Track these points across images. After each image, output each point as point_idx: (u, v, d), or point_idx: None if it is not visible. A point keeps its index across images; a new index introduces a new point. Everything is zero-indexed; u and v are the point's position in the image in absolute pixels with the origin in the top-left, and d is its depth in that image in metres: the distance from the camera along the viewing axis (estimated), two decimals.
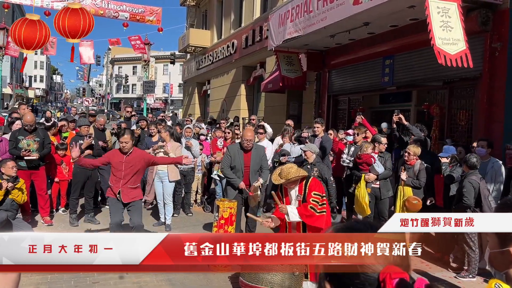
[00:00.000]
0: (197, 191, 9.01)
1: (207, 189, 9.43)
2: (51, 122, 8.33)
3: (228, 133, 8.60)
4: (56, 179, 7.73)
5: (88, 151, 7.53)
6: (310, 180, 4.50)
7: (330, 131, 8.38)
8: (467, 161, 5.40)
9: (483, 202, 5.17)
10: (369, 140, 7.12)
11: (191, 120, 13.04)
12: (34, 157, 6.76)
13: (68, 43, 9.03)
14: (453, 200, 5.73)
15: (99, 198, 8.63)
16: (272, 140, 9.00)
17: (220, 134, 8.72)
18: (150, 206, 8.85)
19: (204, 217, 8.16)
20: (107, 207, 8.31)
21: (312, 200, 4.36)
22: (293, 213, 4.38)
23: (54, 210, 7.85)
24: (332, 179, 6.86)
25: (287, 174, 4.36)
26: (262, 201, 8.15)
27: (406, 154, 6.29)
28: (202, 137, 9.09)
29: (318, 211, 4.38)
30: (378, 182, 6.43)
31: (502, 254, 1.13)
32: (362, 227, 0.98)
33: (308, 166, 6.75)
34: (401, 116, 7.14)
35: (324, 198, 4.49)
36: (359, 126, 7.59)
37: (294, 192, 4.56)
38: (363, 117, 7.88)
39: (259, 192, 5.92)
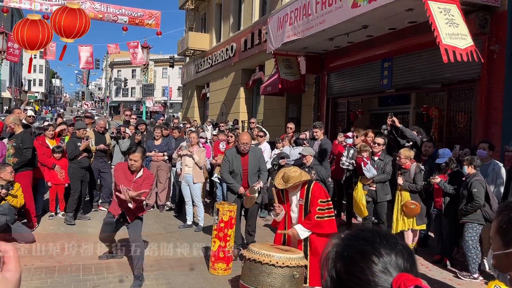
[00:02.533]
0: None
1: (210, 193, 9.44)
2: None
3: (231, 136, 8.60)
4: (49, 183, 7.72)
5: (85, 154, 7.72)
6: (312, 185, 4.48)
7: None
8: (473, 162, 5.47)
9: (492, 200, 5.24)
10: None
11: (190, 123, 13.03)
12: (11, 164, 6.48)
13: (68, 45, 9.04)
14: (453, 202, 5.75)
15: (99, 199, 8.72)
16: (270, 142, 9.01)
17: (223, 137, 8.73)
18: (151, 209, 8.85)
19: (204, 220, 8.14)
20: (103, 209, 8.37)
21: (319, 209, 4.35)
22: (302, 231, 4.38)
23: (53, 213, 7.87)
24: (330, 180, 6.88)
25: (290, 178, 4.35)
26: (266, 200, 8.20)
27: (398, 158, 6.30)
28: (202, 140, 9.10)
29: (327, 215, 4.38)
30: (374, 185, 6.43)
31: (506, 256, 1.14)
32: (370, 235, 0.96)
33: (306, 169, 6.76)
34: (394, 119, 7.15)
35: (329, 202, 4.49)
36: (358, 128, 7.61)
37: (295, 197, 4.56)
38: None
39: (256, 194, 5.94)
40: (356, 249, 0.93)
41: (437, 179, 5.82)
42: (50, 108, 56.08)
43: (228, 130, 9.51)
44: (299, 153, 7.22)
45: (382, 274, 0.89)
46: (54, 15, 8.01)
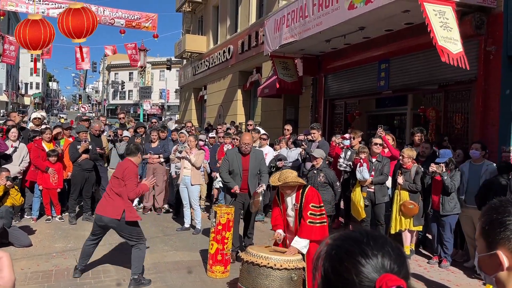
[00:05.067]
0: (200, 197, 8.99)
1: (208, 195, 9.41)
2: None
3: (236, 140, 8.54)
4: (40, 187, 7.67)
5: (85, 155, 7.70)
6: (307, 190, 4.48)
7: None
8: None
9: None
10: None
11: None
12: None
13: (65, 48, 9.10)
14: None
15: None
16: (271, 144, 8.99)
17: (228, 141, 8.61)
18: (148, 212, 8.83)
19: (203, 222, 8.13)
20: None
21: (310, 214, 4.35)
22: (300, 246, 4.36)
23: (50, 217, 7.83)
24: (338, 184, 6.84)
25: (286, 177, 4.38)
26: (266, 201, 8.17)
27: (401, 157, 6.30)
28: (201, 143, 9.06)
29: (318, 221, 4.37)
30: (373, 187, 6.42)
31: (490, 258, 1.13)
32: (359, 236, 0.96)
33: (315, 171, 6.73)
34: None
35: (322, 207, 4.48)
36: (355, 130, 7.59)
37: (290, 200, 4.55)
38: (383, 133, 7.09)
39: (260, 198, 5.92)
40: (343, 249, 0.94)
41: (439, 167, 5.77)
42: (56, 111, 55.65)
43: (234, 133, 9.42)
44: (311, 154, 7.14)
45: (367, 274, 0.90)
46: (60, 19, 8.00)
